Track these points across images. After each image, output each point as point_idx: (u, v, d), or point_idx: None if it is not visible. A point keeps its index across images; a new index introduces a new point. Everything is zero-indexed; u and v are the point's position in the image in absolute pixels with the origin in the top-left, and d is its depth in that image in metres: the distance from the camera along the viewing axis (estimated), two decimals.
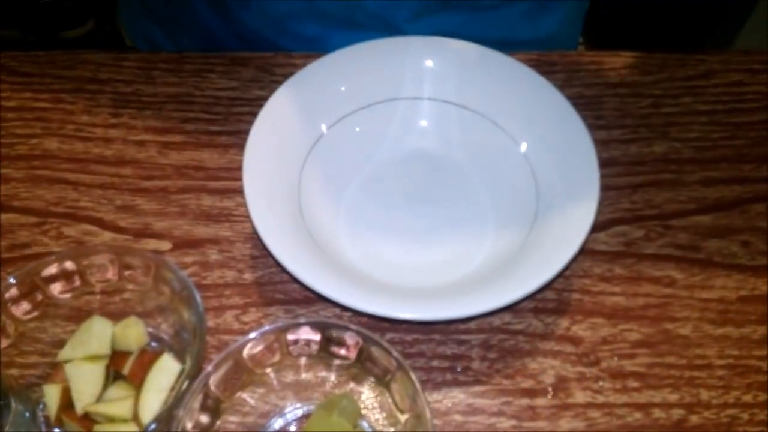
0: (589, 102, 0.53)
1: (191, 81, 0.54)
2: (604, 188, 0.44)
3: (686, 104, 0.53)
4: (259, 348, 0.37)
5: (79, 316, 0.40)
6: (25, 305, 0.39)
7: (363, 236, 0.46)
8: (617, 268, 0.45)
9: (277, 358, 0.38)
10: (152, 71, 0.54)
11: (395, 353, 0.35)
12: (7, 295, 0.38)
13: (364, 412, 0.39)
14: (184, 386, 0.35)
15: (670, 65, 0.55)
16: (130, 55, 0.56)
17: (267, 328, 0.37)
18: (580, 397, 0.41)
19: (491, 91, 0.49)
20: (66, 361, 0.39)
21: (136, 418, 0.37)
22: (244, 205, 0.42)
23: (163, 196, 0.48)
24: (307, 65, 0.48)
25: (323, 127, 0.48)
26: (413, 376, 0.35)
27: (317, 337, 0.37)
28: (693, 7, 1.17)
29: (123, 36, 1.00)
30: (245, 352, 0.37)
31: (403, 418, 0.36)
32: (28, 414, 0.38)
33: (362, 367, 0.38)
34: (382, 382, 0.37)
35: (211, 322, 0.43)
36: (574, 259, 0.41)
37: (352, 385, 0.39)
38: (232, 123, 0.52)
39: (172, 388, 0.38)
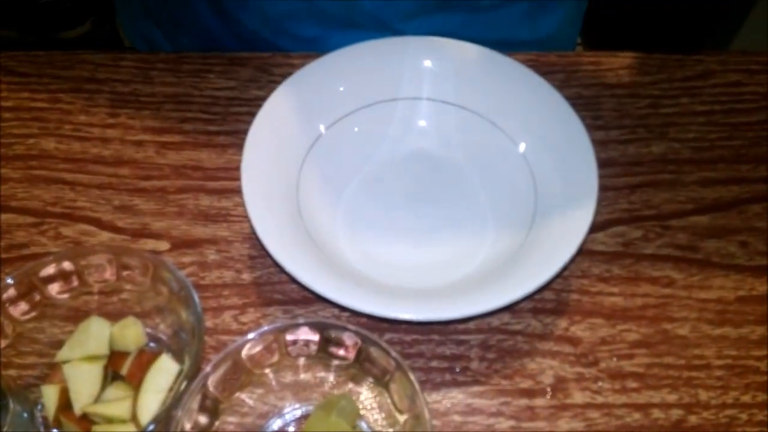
0: (588, 102, 0.53)
1: (189, 81, 0.54)
2: (603, 189, 0.44)
3: (684, 105, 0.53)
4: (258, 348, 0.37)
5: (77, 316, 0.40)
6: (22, 306, 0.39)
7: (362, 236, 0.46)
8: (616, 268, 0.45)
9: (275, 358, 0.38)
10: (150, 71, 0.54)
11: (394, 354, 0.35)
12: (4, 296, 0.38)
13: (362, 412, 0.39)
14: (183, 387, 0.35)
15: (669, 66, 0.55)
16: (128, 55, 0.56)
17: (265, 328, 0.36)
18: (578, 397, 0.41)
19: (490, 92, 0.49)
20: (64, 362, 0.39)
21: (134, 418, 0.37)
22: (243, 205, 0.42)
23: (161, 196, 0.48)
24: (306, 65, 0.48)
25: (322, 128, 0.48)
26: (412, 377, 0.35)
27: (316, 337, 0.37)
28: (691, 8, 1.17)
29: (121, 36, 1.00)
30: (244, 353, 0.37)
31: (401, 418, 0.36)
32: (26, 415, 0.38)
33: (361, 367, 0.38)
34: (381, 382, 0.37)
35: (209, 323, 0.43)
36: (573, 260, 0.41)
37: (350, 385, 0.39)
38: (230, 123, 0.52)
39: (171, 389, 0.38)
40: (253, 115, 0.45)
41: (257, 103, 0.46)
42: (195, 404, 0.35)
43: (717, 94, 0.54)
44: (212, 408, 0.36)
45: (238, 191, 0.44)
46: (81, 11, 1.02)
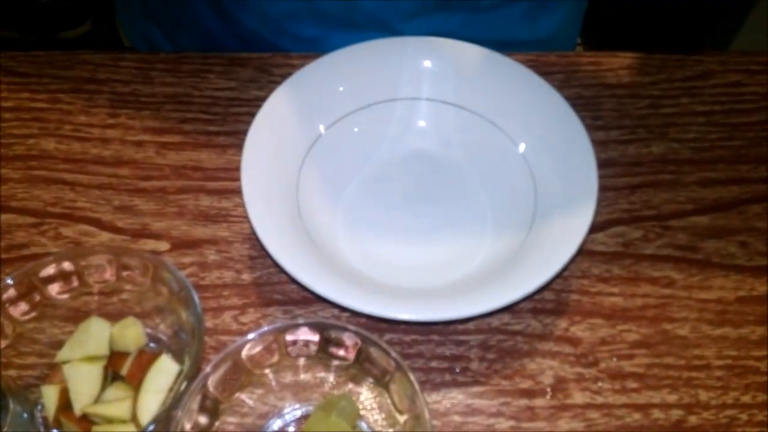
0: (588, 103, 0.53)
1: (189, 81, 0.54)
2: (603, 189, 0.44)
3: (684, 105, 0.53)
4: (258, 349, 0.37)
5: (77, 316, 0.40)
6: (23, 306, 0.39)
7: (361, 237, 0.46)
8: (616, 268, 0.45)
9: (275, 358, 0.38)
10: (150, 71, 0.54)
11: (394, 354, 0.35)
12: (4, 296, 0.38)
13: (362, 412, 0.39)
14: (183, 387, 0.35)
15: (669, 66, 0.55)
16: (128, 55, 0.56)
17: (265, 328, 0.36)
18: (578, 397, 0.41)
19: (490, 92, 0.49)
20: (64, 362, 0.39)
21: (134, 418, 0.37)
22: (243, 205, 0.42)
23: (161, 196, 0.48)
24: (305, 66, 0.48)
25: (321, 128, 0.48)
26: (412, 377, 0.35)
27: (316, 337, 0.37)
28: (691, 8, 1.17)
29: (121, 37, 1.00)
30: (244, 353, 0.37)
31: (401, 418, 0.36)
32: (26, 415, 0.38)
33: (361, 367, 0.38)
34: (381, 382, 0.37)
35: (209, 323, 0.43)
36: (573, 260, 0.41)
37: (350, 385, 0.39)
38: (230, 123, 0.52)
39: (171, 389, 0.38)
40: (253, 115, 0.45)
41: (257, 103, 0.46)
42: (195, 404, 0.35)
43: (717, 95, 0.54)
44: (212, 408, 0.36)
45: (238, 191, 0.44)
46: (81, 11, 1.03)
